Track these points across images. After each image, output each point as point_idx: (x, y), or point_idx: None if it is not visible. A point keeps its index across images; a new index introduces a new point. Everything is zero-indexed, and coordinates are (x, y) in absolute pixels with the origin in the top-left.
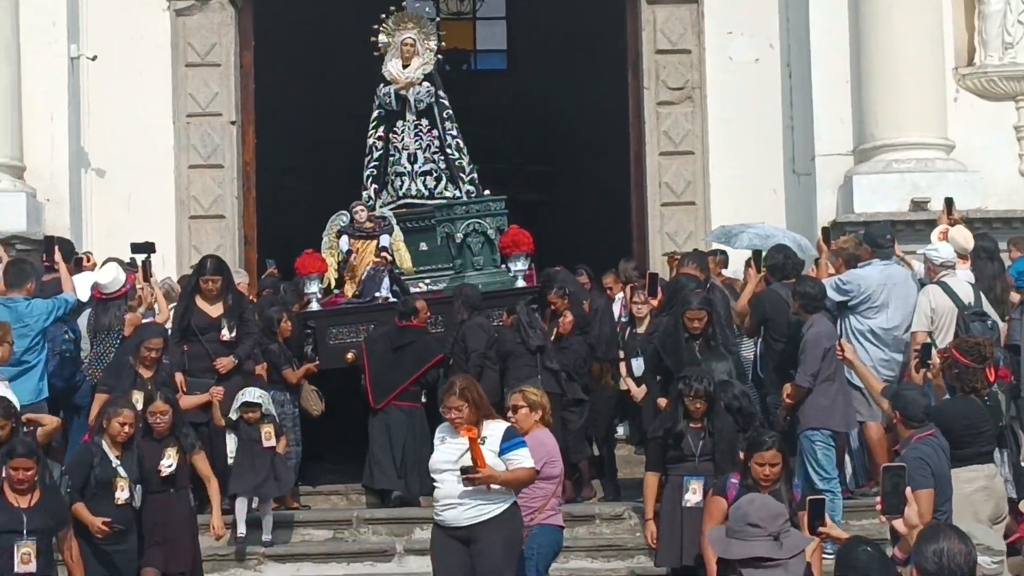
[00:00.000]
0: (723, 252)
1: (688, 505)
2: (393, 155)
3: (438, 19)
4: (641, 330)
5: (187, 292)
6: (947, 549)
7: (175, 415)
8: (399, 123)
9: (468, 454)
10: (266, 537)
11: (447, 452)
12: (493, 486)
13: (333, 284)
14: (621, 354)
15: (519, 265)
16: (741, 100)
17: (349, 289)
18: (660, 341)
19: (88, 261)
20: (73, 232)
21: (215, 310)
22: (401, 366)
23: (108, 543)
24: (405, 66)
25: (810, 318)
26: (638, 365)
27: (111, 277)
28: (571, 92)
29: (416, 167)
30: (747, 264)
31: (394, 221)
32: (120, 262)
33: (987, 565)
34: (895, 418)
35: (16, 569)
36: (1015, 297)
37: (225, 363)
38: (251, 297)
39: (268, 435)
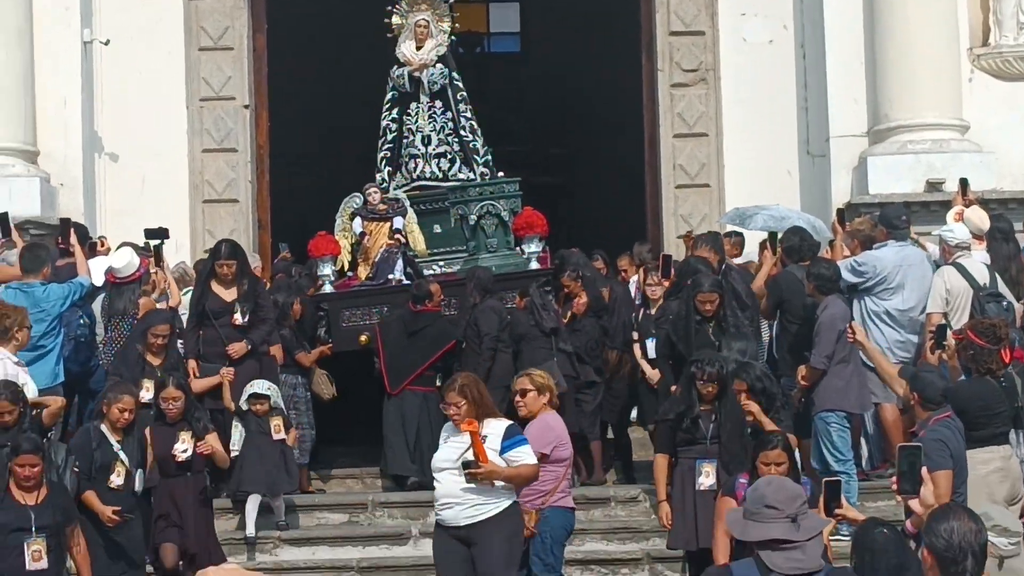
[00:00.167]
0: (739, 234)
1: (702, 488)
2: (407, 137)
3: (451, 0)
4: (654, 311)
5: (203, 277)
6: (957, 528)
7: (188, 400)
8: (413, 105)
9: (470, 450)
10: (280, 521)
11: (448, 451)
12: (497, 483)
13: (346, 266)
14: (635, 335)
15: (533, 247)
16: (755, 82)
17: (362, 271)
18: (672, 325)
19: (102, 246)
20: (87, 216)
21: (230, 294)
22: (416, 351)
23: (112, 529)
24: (419, 48)
25: (825, 300)
26: (653, 347)
27: (125, 261)
28: (585, 74)
29: (430, 149)
30: (762, 246)
31: (408, 203)
32: (134, 246)
33: (1004, 546)
34: (913, 400)
35: (28, 567)
36: None
37: (238, 348)
38: (264, 281)
39: (278, 427)
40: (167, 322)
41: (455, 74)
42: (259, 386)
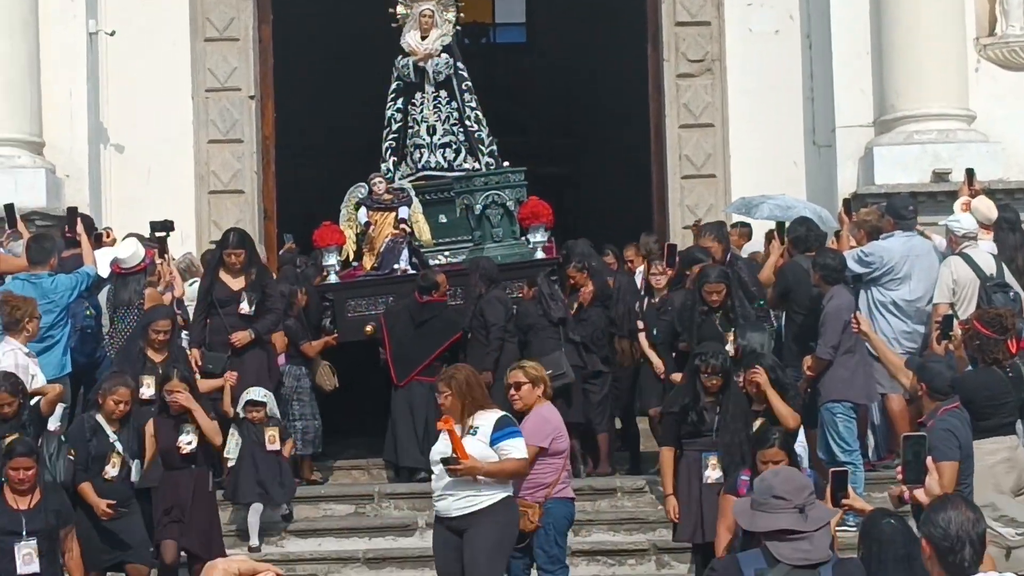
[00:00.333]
0: (747, 225)
1: (709, 481)
2: (412, 127)
3: None
4: (658, 301)
5: (211, 265)
6: (955, 518)
7: (192, 392)
8: (418, 95)
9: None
10: (284, 510)
11: (443, 444)
12: (481, 478)
13: (351, 256)
14: (640, 324)
15: (538, 237)
16: (761, 72)
17: (368, 261)
18: (677, 316)
19: (108, 237)
20: (92, 208)
21: (237, 283)
22: (423, 341)
23: (109, 519)
24: (423, 37)
25: (830, 290)
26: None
27: (130, 252)
28: (591, 64)
29: (435, 139)
30: (769, 236)
31: (413, 193)
32: (139, 237)
33: (1011, 537)
34: (920, 391)
35: (19, 570)
36: None
37: (241, 337)
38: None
39: (272, 438)
40: (168, 317)
41: (460, 64)
42: (255, 393)
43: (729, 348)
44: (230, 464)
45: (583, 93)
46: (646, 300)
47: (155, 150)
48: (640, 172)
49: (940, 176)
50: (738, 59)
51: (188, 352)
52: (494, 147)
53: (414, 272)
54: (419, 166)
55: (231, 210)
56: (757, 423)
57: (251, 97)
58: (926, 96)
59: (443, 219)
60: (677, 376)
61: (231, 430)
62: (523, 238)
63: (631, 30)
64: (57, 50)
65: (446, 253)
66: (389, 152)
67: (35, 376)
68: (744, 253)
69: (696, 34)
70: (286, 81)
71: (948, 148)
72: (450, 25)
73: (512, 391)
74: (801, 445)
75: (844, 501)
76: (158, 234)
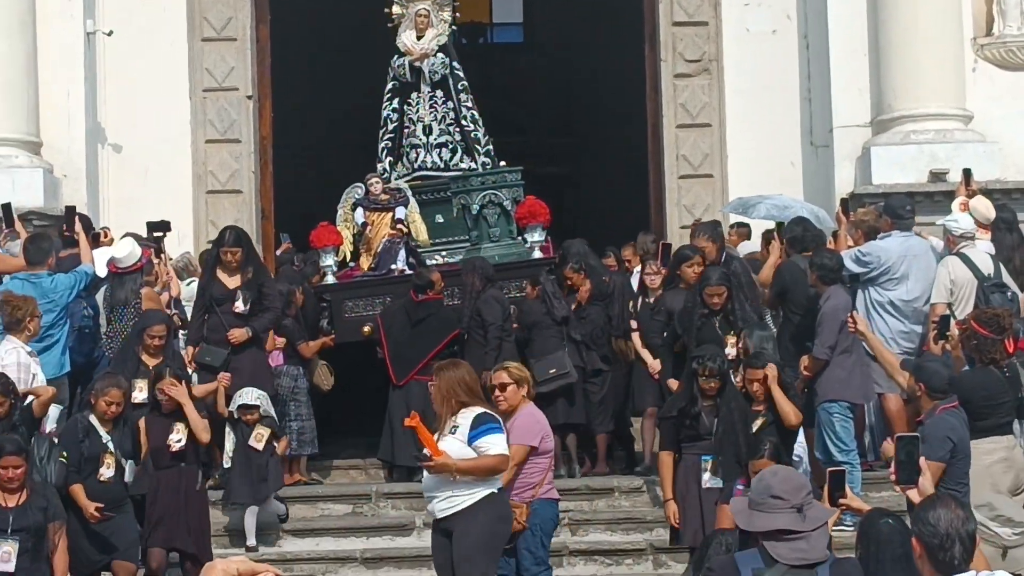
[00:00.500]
0: (745, 225)
1: (707, 486)
2: (408, 127)
3: None
4: (654, 300)
5: (209, 264)
6: (944, 516)
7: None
8: (414, 95)
9: (444, 445)
10: (280, 510)
11: (444, 444)
12: (459, 476)
13: (348, 257)
14: (634, 324)
15: (536, 236)
16: (758, 72)
17: (365, 262)
18: (678, 318)
19: (105, 237)
20: (90, 207)
21: (233, 282)
22: (421, 340)
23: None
24: (419, 37)
25: (827, 290)
26: None
27: (127, 251)
28: (589, 64)
29: (431, 139)
30: (765, 236)
31: (409, 193)
32: (136, 236)
33: (1008, 536)
34: (919, 390)
35: None
36: None
37: (238, 334)
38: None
39: (259, 437)
40: (163, 322)
41: (456, 63)
42: (248, 395)
43: (729, 351)
44: (226, 466)
45: (581, 93)
46: (640, 300)
47: (153, 150)
48: (638, 172)
49: (937, 176)
50: (735, 59)
51: (183, 351)
52: (490, 147)
53: (411, 272)
54: (415, 166)
55: (229, 210)
56: (758, 422)
57: (248, 97)
58: (923, 96)
59: (440, 219)
60: (674, 383)
61: (227, 431)
62: (520, 237)
63: (628, 30)
64: (55, 50)
65: (443, 253)
66: (385, 152)
67: (36, 375)
68: (741, 253)
69: (693, 34)
70: (284, 78)
71: (945, 148)
72: (446, 25)
73: (497, 392)
74: (801, 446)
75: (842, 501)
76: (155, 234)
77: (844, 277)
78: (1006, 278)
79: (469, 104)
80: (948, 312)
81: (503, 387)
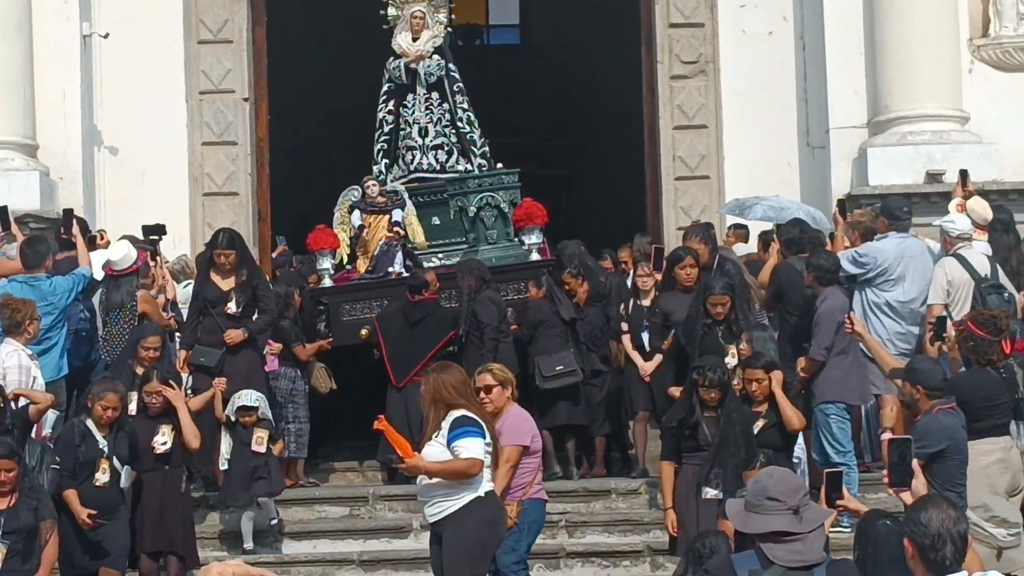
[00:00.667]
0: (743, 226)
1: (707, 497)
2: (404, 129)
3: None
4: (646, 302)
5: (203, 266)
6: (935, 516)
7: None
8: (409, 97)
9: (428, 448)
10: (272, 519)
11: (429, 448)
12: (434, 479)
13: (345, 260)
14: (624, 326)
15: (533, 238)
16: (755, 73)
17: (362, 264)
18: (682, 328)
19: (101, 239)
20: (87, 210)
21: (227, 284)
22: (419, 341)
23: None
24: (415, 39)
25: (824, 291)
26: (647, 338)
27: (122, 254)
28: (586, 65)
29: (427, 141)
30: (763, 238)
31: (406, 196)
32: (132, 239)
33: (1003, 537)
34: (917, 393)
35: None
36: None
37: (234, 335)
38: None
39: (260, 440)
40: (157, 335)
41: (452, 65)
42: (247, 397)
43: (731, 360)
44: (223, 468)
45: (577, 95)
46: (632, 301)
47: (149, 152)
48: (636, 173)
49: (934, 177)
50: (732, 61)
51: (177, 354)
52: (486, 148)
53: (408, 275)
54: (411, 168)
55: (225, 212)
56: (759, 423)
57: (245, 99)
58: (920, 97)
59: (436, 221)
60: (676, 390)
61: (223, 434)
62: (517, 240)
63: (625, 32)
64: (51, 52)
65: (440, 255)
66: (381, 154)
67: (36, 378)
68: (739, 255)
69: (690, 36)
70: (281, 80)
71: (942, 149)
72: (441, 26)
73: (482, 394)
74: (800, 447)
75: (839, 502)
76: (151, 237)
77: (841, 278)
78: (1003, 279)
79: (465, 106)
80: (945, 313)
81: (488, 389)
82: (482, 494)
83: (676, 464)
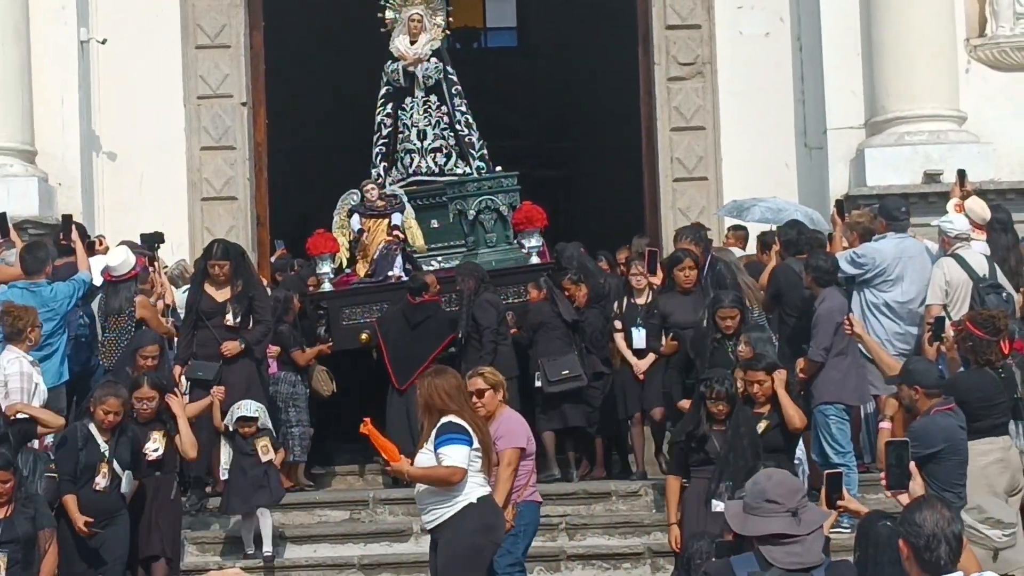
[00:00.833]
0: (742, 228)
1: (717, 510)
2: (402, 132)
3: None
4: (640, 300)
5: (196, 278)
6: (929, 517)
7: (162, 400)
8: (407, 100)
9: (420, 455)
10: (267, 550)
11: (421, 455)
12: (424, 486)
13: (345, 263)
14: (618, 325)
15: (533, 242)
16: (752, 74)
17: (361, 268)
18: (691, 342)
19: (100, 245)
20: (85, 215)
21: (222, 295)
22: (420, 343)
23: (94, 526)
24: (412, 42)
25: (822, 292)
26: (639, 337)
27: (120, 259)
28: (583, 67)
29: (426, 144)
30: (762, 240)
31: (405, 199)
32: (131, 244)
33: (998, 538)
34: (915, 394)
35: None
36: None
37: (231, 347)
38: (262, 277)
39: (265, 449)
40: (155, 342)
41: (450, 68)
42: (247, 408)
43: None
44: (223, 478)
45: (575, 96)
46: (625, 300)
47: (147, 157)
48: (634, 173)
49: (932, 177)
50: (729, 62)
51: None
52: (484, 151)
53: (408, 278)
54: (409, 171)
55: (224, 217)
56: (762, 425)
57: (243, 104)
58: (917, 97)
59: (435, 224)
60: (686, 403)
61: (223, 444)
62: (516, 242)
63: (622, 34)
64: (49, 59)
65: (439, 258)
66: (379, 157)
67: (38, 385)
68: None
69: (686, 37)
70: (279, 84)
71: (939, 149)
72: (439, 29)
73: (475, 399)
74: (800, 448)
75: (839, 503)
76: (150, 244)
77: (839, 279)
78: (1001, 279)
79: (463, 108)
80: (943, 313)
81: (480, 394)
82: (475, 500)
83: (683, 478)
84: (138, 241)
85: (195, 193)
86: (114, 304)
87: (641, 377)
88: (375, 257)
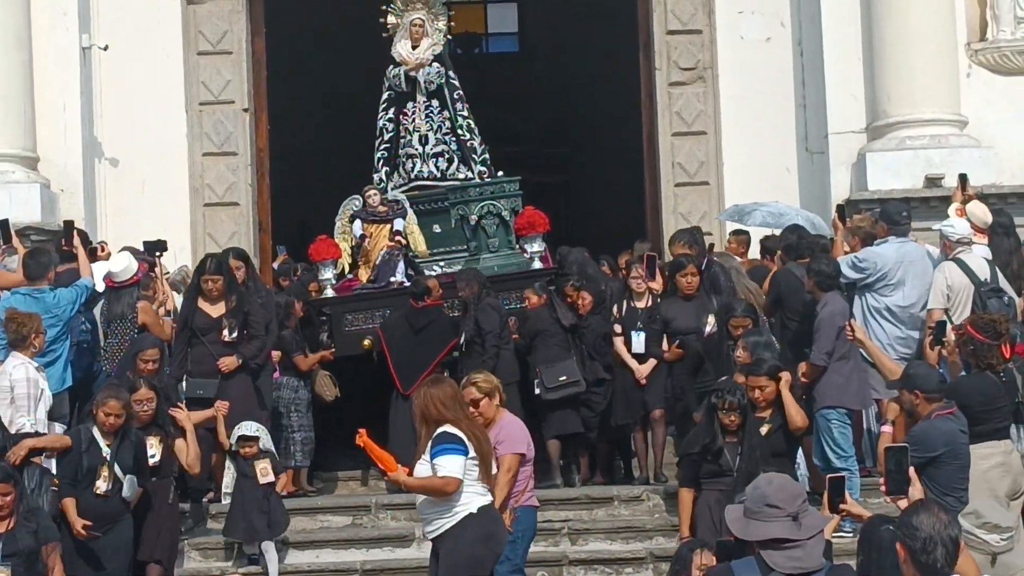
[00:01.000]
0: (744, 232)
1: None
2: (404, 137)
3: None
4: (640, 304)
5: (189, 293)
6: (926, 520)
7: (159, 403)
8: (409, 104)
9: (418, 465)
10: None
11: (419, 466)
12: (423, 496)
13: (347, 269)
14: (617, 328)
15: (535, 247)
16: (753, 79)
17: (363, 274)
18: (705, 352)
19: (102, 251)
20: (88, 222)
21: (216, 310)
22: (424, 348)
23: (95, 530)
24: (414, 47)
25: (824, 296)
26: (639, 341)
27: (123, 265)
28: (585, 72)
29: (427, 149)
30: (765, 246)
31: (407, 205)
32: (133, 250)
33: (996, 543)
34: (916, 399)
35: None
36: None
37: (228, 362)
38: (265, 283)
39: (264, 471)
40: (155, 346)
41: (451, 73)
42: (248, 428)
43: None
44: (226, 502)
45: (577, 101)
46: (625, 303)
47: (149, 163)
48: (635, 178)
49: (933, 181)
50: (730, 67)
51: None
52: (486, 156)
53: (410, 283)
54: (411, 176)
55: (226, 222)
56: (764, 428)
57: (245, 110)
58: (918, 101)
59: (437, 229)
60: (698, 416)
61: (227, 464)
62: (519, 248)
63: (623, 39)
64: (51, 65)
65: (441, 263)
66: (381, 162)
67: (44, 390)
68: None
69: (688, 42)
70: (280, 89)
71: (940, 153)
72: (441, 34)
73: (471, 409)
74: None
75: (842, 507)
76: (153, 251)
77: (841, 283)
78: (1003, 283)
79: (465, 113)
80: (945, 318)
81: (475, 403)
82: (475, 510)
83: (695, 491)
84: (140, 247)
85: (197, 199)
86: (116, 310)
87: (643, 382)
88: (377, 263)
